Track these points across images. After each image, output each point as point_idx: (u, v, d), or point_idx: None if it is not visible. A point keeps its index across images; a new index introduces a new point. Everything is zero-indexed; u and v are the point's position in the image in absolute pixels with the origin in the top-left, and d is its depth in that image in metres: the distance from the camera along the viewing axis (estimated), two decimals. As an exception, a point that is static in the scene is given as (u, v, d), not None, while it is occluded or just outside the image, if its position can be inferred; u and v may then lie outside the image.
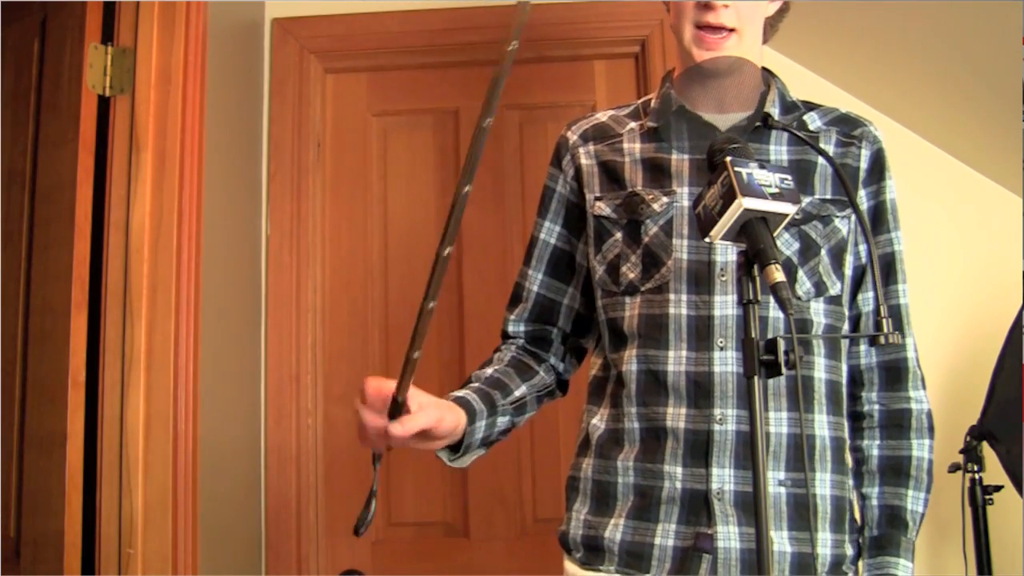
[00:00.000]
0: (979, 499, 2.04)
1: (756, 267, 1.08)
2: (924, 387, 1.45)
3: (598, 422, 1.46)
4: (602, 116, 1.55)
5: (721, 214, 1.11)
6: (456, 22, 2.55)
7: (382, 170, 2.61)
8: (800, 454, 1.35)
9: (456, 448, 1.39)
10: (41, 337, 1.96)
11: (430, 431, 1.30)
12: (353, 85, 2.63)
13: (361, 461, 2.49)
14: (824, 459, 1.38)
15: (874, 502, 1.40)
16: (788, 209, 1.11)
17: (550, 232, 1.55)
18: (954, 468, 2.07)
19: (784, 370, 1.06)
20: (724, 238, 1.12)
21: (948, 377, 2.34)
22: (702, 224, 1.15)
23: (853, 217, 1.43)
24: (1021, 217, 2.37)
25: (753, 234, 1.09)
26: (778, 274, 1.04)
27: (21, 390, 1.99)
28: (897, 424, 1.42)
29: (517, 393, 1.48)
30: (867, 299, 1.44)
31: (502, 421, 1.44)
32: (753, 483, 1.05)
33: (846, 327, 1.44)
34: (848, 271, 1.44)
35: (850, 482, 1.43)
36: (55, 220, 1.96)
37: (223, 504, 2.15)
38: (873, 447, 1.42)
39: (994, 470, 2.04)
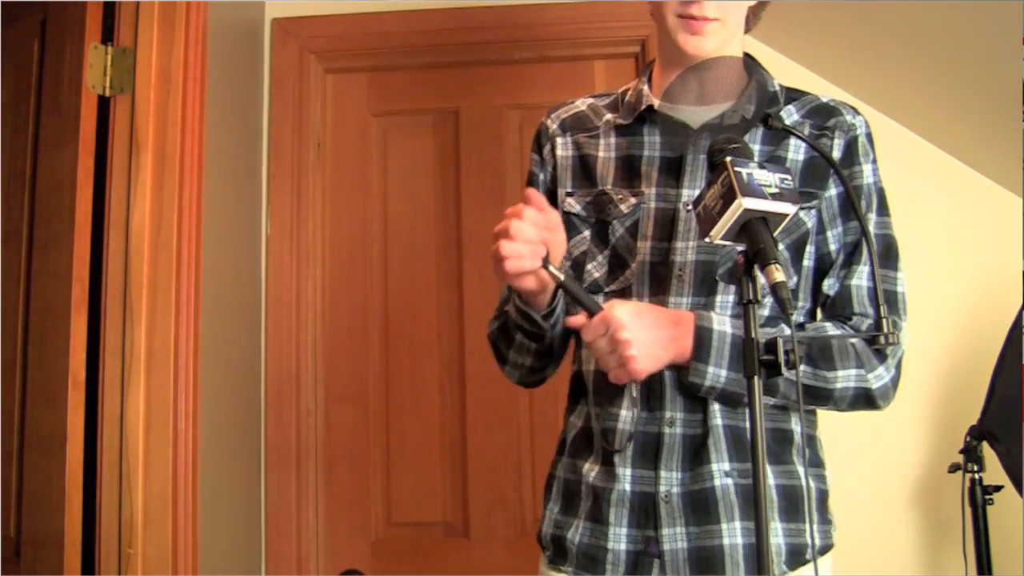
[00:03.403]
0: (979, 499, 2.04)
1: (756, 267, 1.08)
2: (897, 368, 1.38)
3: (575, 420, 1.47)
4: (582, 104, 1.55)
5: (721, 214, 1.11)
6: (456, 22, 2.55)
7: (382, 170, 2.61)
8: (740, 444, 1.34)
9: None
10: (41, 337, 1.96)
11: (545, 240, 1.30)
12: (353, 85, 2.63)
13: (361, 461, 2.49)
14: (770, 450, 1.36)
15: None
16: (788, 209, 1.11)
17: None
18: (954, 468, 2.07)
19: (784, 370, 1.06)
20: (724, 238, 1.12)
21: (948, 377, 2.34)
22: (702, 224, 1.15)
23: (819, 207, 1.40)
24: (1021, 217, 2.37)
25: (753, 234, 1.09)
26: (778, 274, 1.04)
27: (21, 390, 1.99)
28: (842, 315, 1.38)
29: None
30: (831, 284, 1.40)
31: (560, 328, 1.43)
32: (753, 479, 1.05)
33: (802, 316, 1.41)
34: (808, 262, 1.40)
35: (801, 470, 1.37)
36: (55, 220, 1.96)
37: (223, 504, 2.15)
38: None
39: (994, 470, 2.04)
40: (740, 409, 1.35)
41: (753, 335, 1.08)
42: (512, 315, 1.42)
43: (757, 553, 1.04)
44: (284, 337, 2.47)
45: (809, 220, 1.40)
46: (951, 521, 2.17)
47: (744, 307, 1.09)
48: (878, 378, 1.35)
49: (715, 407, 1.35)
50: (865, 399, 1.35)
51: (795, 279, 1.40)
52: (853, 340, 1.35)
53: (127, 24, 1.97)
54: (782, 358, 1.06)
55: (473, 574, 2.41)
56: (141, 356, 1.86)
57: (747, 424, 1.34)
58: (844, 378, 1.33)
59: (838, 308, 1.39)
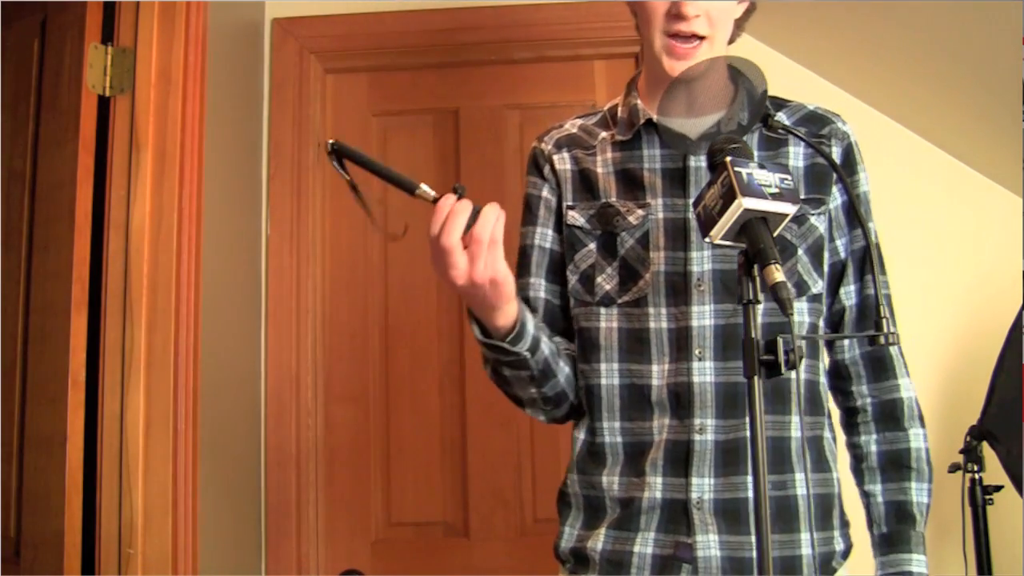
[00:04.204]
0: (979, 499, 2.04)
1: (756, 267, 1.08)
2: (908, 374, 1.46)
3: (577, 434, 1.46)
4: (571, 127, 1.54)
5: (721, 214, 1.11)
6: (456, 22, 2.55)
7: (382, 170, 2.61)
8: (778, 457, 1.36)
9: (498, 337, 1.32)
10: (41, 337, 1.96)
11: (498, 280, 1.20)
12: (353, 85, 2.63)
13: (361, 461, 2.49)
14: (800, 459, 1.38)
15: (879, 499, 1.40)
16: (788, 209, 1.11)
17: (544, 237, 1.51)
18: (954, 468, 2.07)
19: (784, 370, 1.06)
20: (724, 238, 1.12)
21: (948, 377, 2.34)
22: (702, 224, 1.15)
23: (829, 214, 1.43)
24: (1021, 217, 2.37)
25: (753, 234, 1.09)
26: (778, 274, 1.04)
27: (21, 390, 1.99)
28: (891, 416, 1.42)
29: (555, 344, 1.43)
30: (849, 293, 1.44)
31: (547, 346, 1.38)
32: (754, 484, 1.05)
33: (821, 324, 1.44)
34: (825, 268, 1.44)
35: (834, 476, 1.43)
36: (55, 220, 1.96)
37: (223, 504, 2.15)
38: (871, 443, 1.43)
39: (994, 470, 2.04)
40: (783, 420, 1.36)
41: (753, 335, 1.07)
42: (488, 356, 1.38)
43: (758, 556, 1.04)
44: (284, 337, 2.47)
45: (821, 226, 1.42)
46: (951, 521, 2.17)
47: (744, 307, 1.09)
48: (917, 400, 1.46)
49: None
50: None
51: (821, 284, 1.42)
52: (913, 399, 1.44)
53: (127, 24, 1.97)
54: (782, 358, 1.06)
55: (473, 574, 2.41)
56: (141, 356, 1.86)
57: (789, 434, 1.37)
58: (923, 441, 1.44)
59: (866, 317, 1.43)
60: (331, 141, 1.21)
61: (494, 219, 1.18)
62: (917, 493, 1.39)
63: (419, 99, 2.61)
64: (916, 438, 1.42)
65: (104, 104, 1.96)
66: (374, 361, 2.53)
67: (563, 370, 1.43)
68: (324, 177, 2.59)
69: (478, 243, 1.17)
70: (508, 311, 1.28)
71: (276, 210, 2.51)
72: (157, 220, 1.90)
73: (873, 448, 1.42)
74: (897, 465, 1.41)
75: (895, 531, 1.38)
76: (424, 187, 1.20)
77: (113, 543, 1.81)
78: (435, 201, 1.19)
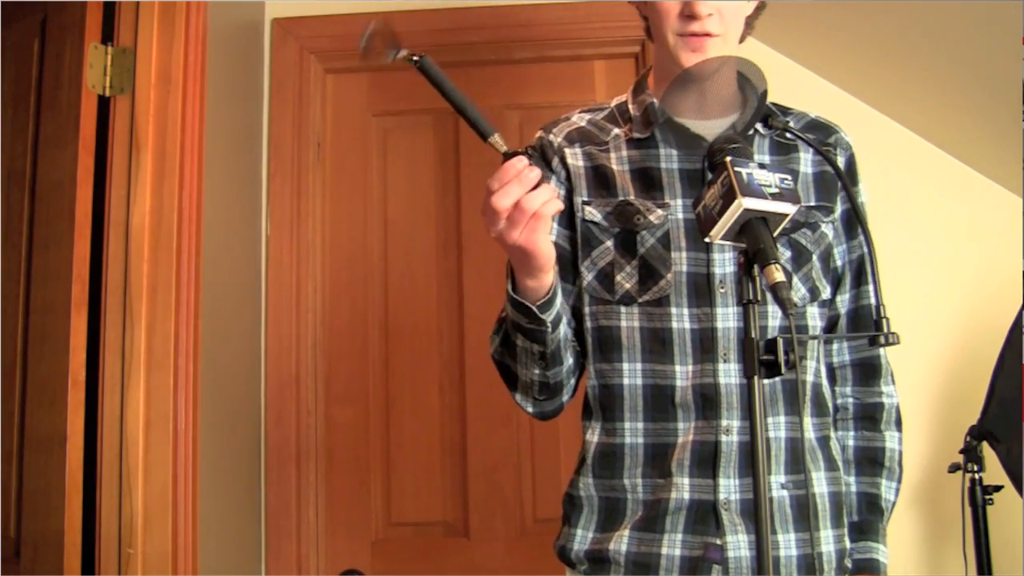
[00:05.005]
0: (979, 499, 2.04)
1: (756, 267, 1.08)
2: (894, 382, 1.49)
3: (591, 437, 1.45)
4: (579, 120, 1.53)
5: (721, 214, 1.10)
6: (456, 22, 2.55)
7: (382, 170, 2.61)
8: (797, 457, 1.38)
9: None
10: (41, 337, 1.96)
11: (528, 251, 1.21)
12: (353, 85, 2.63)
13: (361, 461, 2.49)
14: (816, 459, 1.41)
15: (853, 489, 1.45)
16: (788, 209, 1.11)
17: (552, 233, 1.48)
18: (954, 468, 2.07)
19: (783, 370, 1.06)
20: (724, 238, 1.12)
21: (948, 377, 2.34)
22: (702, 224, 1.15)
23: (834, 223, 1.46)
24: (1021, 217, 2.37)
25: (753, 234, 1.09)
26: (778, 274, 1.04)
27: (21, 390, 1.99)
28: (871, 417, 1.47)
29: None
30: (844, 301, 1.48)
31: (564, 329, 1.37)
32: (753, 484, 1.05)
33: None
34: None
35: (842, 476, 1.45)
36: (55, 220, 1.96)
37: (223, 504, 2.15)
38: (849, 438, 1.47)
39: (994, 470, 2.04)
40: (798, 421, 1.39)
41: (753, 335, 1.07)
42: (509, 315, 1.36)
43: (758, 555, 1.04)
44: (284, 337, 2.47)
45: (830, 234, 1.45)
46: (951, 521, 2.17)
47: (744, 307, 1.09)
48: (899, 407, 1.49)
49: (779, 418, 1.38)
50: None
51: (829, 290, 1.46)
52: (894, 405, 1.48)
53: (127, 24, 1.97)
54: (781, 358, 1.06)
55: (473, 574, 2.41)
56: (141, 356, 1.86)
57: (805, 435, 1.40)
58: (897, 443, 1.48)
59: (858, 327, 1.47)
60: (417, 58, 1.17)
61: (548, 196, 1.17)
62: (887, 490, 1.44)
63: (419, 99, 2.61)
64: (891, 439, 1.46)
65: (104, 104, 1.96)
66: (374, 361, 2.53)
67: (567, 360, 1.42)
68: (324, 177, 2.59)
69: (522, 212, 1.17)
70: (542, 280, 1.27)
71: (276, 210, 2.51)
72: (157, 220, 1.90)
73: (851, 443, 1.47)
74: (872, 461, 1.45)
75: (867, 521, 1.43)
76: (497, 137, 1.19)
77: (113, 543, 1.81)
78: (505, 155, 1.18)
